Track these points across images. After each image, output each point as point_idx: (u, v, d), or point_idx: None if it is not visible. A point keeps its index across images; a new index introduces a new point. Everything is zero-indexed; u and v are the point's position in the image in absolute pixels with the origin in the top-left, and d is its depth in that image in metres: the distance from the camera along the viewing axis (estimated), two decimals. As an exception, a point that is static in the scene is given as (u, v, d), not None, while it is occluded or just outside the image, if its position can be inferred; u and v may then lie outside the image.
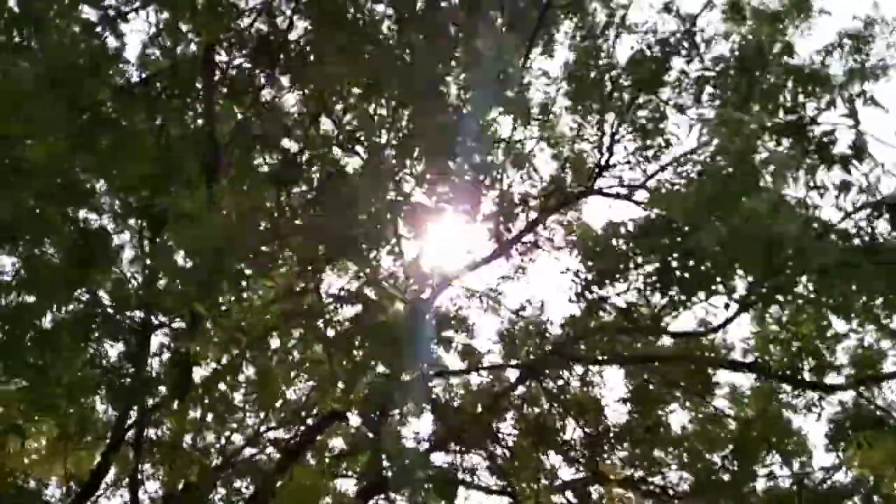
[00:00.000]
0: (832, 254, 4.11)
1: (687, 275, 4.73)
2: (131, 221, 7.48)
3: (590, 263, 6.59)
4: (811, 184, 4.57)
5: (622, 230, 5.20)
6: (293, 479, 8.07)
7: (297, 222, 6.82)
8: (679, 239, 4.73)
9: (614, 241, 5.56)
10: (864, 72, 5.51)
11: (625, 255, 5.39)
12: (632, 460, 8.98)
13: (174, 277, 6.67)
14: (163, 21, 6.43)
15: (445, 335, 8.60)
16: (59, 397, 5.60)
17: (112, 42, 6.27)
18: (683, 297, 4.98)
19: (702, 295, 4.88)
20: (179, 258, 6.95)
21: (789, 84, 5.24)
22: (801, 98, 5.14)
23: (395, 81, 5.66)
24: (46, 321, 6.03)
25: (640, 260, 5.27)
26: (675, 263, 4.82)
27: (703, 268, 4.67)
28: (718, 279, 4.66)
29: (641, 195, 7.93)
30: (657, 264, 4.97)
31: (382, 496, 8.76)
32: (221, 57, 6.43)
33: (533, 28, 7.03)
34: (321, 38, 5.77)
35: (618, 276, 5.66)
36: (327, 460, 9.23)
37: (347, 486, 9.27)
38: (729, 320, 6.65)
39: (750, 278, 4.60)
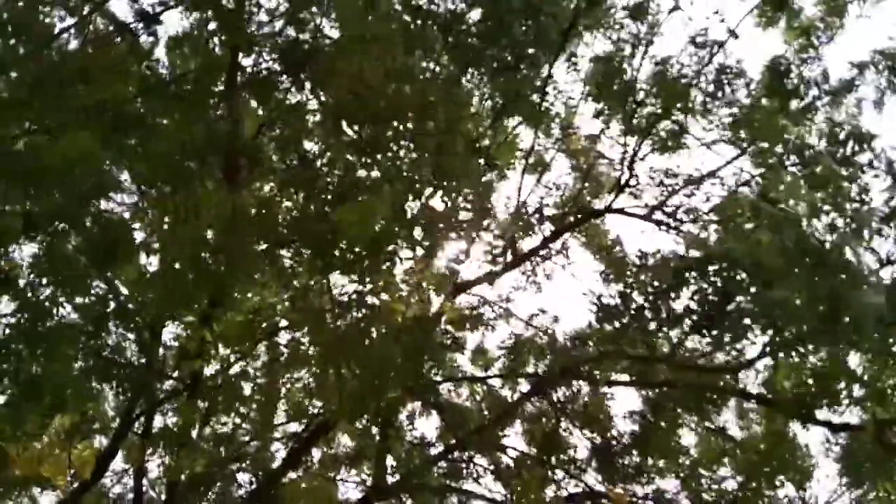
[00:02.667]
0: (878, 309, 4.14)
1: (729, 319, 4.75)
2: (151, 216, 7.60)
3: (606, 285, 6.61)
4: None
5: (668, 262, 5.21)
6: (301, 481, 8.17)
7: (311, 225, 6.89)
8: (720, 282, 4.75)
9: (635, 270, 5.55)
10: None
11: (649, 285, 5.39)
12: (637, 477, 8.92)
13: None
14: (191, 23, 6.52)
15: (457, 337, 8.59)
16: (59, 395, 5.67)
17: (144, 41, 6.40)
18: (728, 340, 5.00)
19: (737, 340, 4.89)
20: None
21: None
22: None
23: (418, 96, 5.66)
24: (63, 312, 6.15)
25: (671, 294, 5.29)
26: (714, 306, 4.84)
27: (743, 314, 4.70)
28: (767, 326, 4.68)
29: (660, 216, 7.86)
30: (698, 304, 4.98)
31: (388, 501, 8.84)
32: (248, 60, 6.51)
33: (557, 44, 6.99)
34: (346, 48, 5.79)
35: (645, 305, 5.67)
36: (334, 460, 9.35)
37: (352, 491, 9.37)
38: (754, 360, 6.58)
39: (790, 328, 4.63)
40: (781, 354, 6.10)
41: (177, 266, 5.36)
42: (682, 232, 7.57)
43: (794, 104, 7.23)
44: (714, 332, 5.46)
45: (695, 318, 5.57)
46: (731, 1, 7.83)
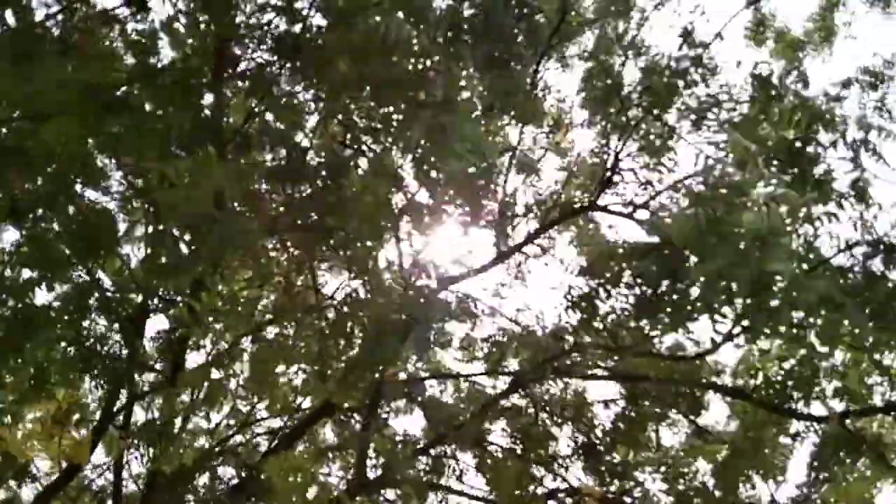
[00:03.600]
0: (816, 290, 4.17)
1: (675, 300, 4.78)
2: (136, 204, 7.55)
3: (585, 279, 6.67)
4: (808, 217, 4.62)
5: (618, 250, 5.26)
6: (284, 461, 8.13)
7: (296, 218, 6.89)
8: (672, 265, 4.78)
9: (610, 261, 5.62)
10: (868, 122, 5.55)
11: (616, 275, 5.44)
12: (614, 473, 9.02)
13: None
14: (180, 11, 6.49)
15: (443, 329, 8.62)
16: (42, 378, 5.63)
17: (132, 28, 6.35)
18: (671, 323, 5.03)
19: (688, 322, 4.93)
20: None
21: (797, 117, 5.28)
22: (807, 133, 5.20)
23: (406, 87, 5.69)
24: (41, 298, 6.10)
25: (630, 281, 5.33)
26: (664, 289, 4.87)
27: (691, 295, 4.73)
28: (707, 307, 4.70)
29: (643, 214, 7.97)
30: (647, 288, 5.02)
31: (370, 493, 8.84)
32: (236, 50, 6.48)
33: (545, 42, 7.09)
34: (335, 39, 5.81)
35: (607, 295, 5.72)
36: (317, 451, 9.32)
37: (335, 482, 9.34)
38: (715, 347, 6.70)
39: (737, 308, 4.65)
40: (740, 340, 6.15)
41: (175, 232, 5.30)
42: (643, 221, 7.66)
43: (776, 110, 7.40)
44: (656, 315, 5.37)
45: (638, 301, 5.51)
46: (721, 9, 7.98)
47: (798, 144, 5.03)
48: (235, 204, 5.80)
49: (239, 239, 5.53)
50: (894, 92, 7.47)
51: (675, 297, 4.79)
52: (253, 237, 5.75)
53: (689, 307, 4.75)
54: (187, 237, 6.56)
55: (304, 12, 6.11)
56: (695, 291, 4.75)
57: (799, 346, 5.38)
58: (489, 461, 8.91)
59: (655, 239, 5.20)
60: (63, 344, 6.13)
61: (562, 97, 8.21)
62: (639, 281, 5.20)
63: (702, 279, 4.49)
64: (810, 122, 5.15)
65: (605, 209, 8.56)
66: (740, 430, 8.46)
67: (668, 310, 4.90)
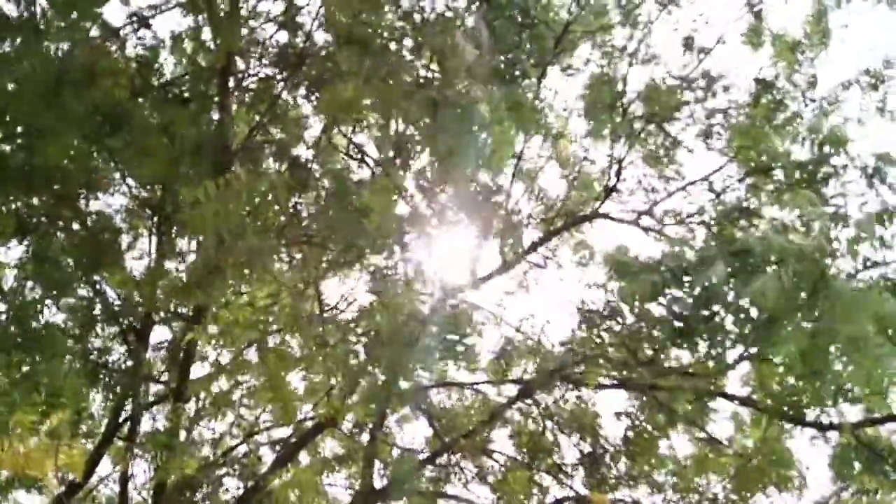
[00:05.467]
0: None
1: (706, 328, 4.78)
2: (141, 217, 7.55)
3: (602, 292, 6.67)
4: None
5: (660, 268, 5.26)
6: (291, 475, 8.13)
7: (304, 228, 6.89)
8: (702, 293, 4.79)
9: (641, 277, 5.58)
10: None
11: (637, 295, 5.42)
12: (625, 482, 8.96)
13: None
14: (185, 27, 6.50)
15: (448, 339, 8.60)
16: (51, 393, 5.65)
17: (134, 44, 6.36)
18: (707, 354, 5.03)
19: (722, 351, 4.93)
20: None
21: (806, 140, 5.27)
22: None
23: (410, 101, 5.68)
24: (48, 315, 6.11)
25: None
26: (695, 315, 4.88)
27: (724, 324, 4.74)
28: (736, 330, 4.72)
29: (648, 221, 7.96)
30: (681, 312, 5.02)
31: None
32: (239, 65, 6.49)
33: (550, 52, 7.06)
34: (339, 54, 5.80)
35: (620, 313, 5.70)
36: (322, 463, 9.30)
37: (341, 494, 9.33)
38: (730, 366, 6.66)
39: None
40: (756, 350, 6.14)
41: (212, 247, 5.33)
42: (665, 236, 7.66)
43: (780, 116, 7.37)
44: (692, 341, 5.46)
45: (672, 326, 5.57)
46: (721, 13, 7.95)
47: (811, 167, 5.01)
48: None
49: (268, 251, 5.58)
50: (893, 93, 7.44)
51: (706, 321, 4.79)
52: (275, 250, 5.79)
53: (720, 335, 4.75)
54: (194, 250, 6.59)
55: (307, 27, 6.10)
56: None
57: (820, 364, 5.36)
58: (496, 470, 8.89)
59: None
60: (67, 361, 6.13)
61: (566, 107, 8.17)
62: (674, 309, 5.21)
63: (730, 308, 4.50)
64: (822, 144, 5.13)
65: (609, 217, 8.54)
66: (752, 441, 8.39)
67: (702, 336, 4.91)
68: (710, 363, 6.92)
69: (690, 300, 5.20)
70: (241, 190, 5.08)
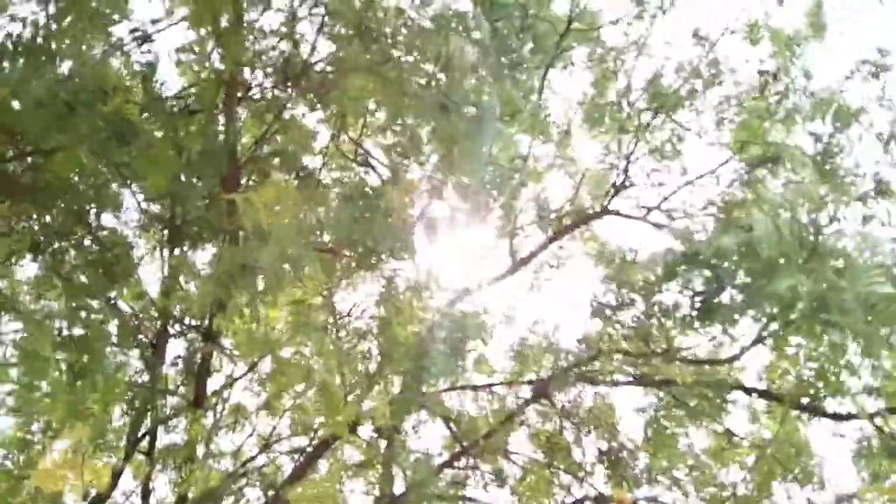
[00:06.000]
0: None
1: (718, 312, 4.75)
2: (152, 232, 7.60)
3: (613, 285, 6.64)
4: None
5: (666, 257, 5.24)
6: (309, 484, 8.12)
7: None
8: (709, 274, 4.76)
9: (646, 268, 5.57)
10: None
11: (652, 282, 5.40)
12: (645, 478, 8.92)
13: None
14: (189, 41, 6.54)
15: (462, 345, 8.60)
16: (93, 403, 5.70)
17: (140, 59, 6.40)
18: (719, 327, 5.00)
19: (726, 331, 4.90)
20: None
21: (813, 114, 5.23)
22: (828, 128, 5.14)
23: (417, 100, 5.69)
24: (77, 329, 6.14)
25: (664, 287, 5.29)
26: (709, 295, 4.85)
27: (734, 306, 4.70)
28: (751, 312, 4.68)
29: (657, 216, 7.94)
30: (697, 295, 4.99)
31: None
32: (245, 76, 6.53)
33: (552, 50, 7.07)
34: (344, 57, 5.83)
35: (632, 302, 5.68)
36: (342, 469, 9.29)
37: (360, 500, 9.30)
38: (743, 351, 6.63)
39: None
40: (772, 342, 6.10)
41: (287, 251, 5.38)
42: (672, 228, 7.64)
43: (780, 108, 7.34)
44: (704, 323, 5.42)
45: (684, 311, 5.55)
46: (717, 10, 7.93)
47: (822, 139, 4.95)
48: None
49: (307, 259, 5.63)
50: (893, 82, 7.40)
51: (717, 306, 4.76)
52: (314, 259, 5.84)
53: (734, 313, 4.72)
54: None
55: (310, 38, 6.13)
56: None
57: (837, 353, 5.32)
58: (514, 471, 8.87)
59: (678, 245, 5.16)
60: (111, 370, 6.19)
61: (570, 104, 8.18)
62: (682, 291, 5.18)
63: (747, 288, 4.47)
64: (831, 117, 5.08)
65: (617, 213, 8.53)
66: (770, 432, 8.33)
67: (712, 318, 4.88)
68: (725, 346, 6.88)
69: (702, 280, 5.15)
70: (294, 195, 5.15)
